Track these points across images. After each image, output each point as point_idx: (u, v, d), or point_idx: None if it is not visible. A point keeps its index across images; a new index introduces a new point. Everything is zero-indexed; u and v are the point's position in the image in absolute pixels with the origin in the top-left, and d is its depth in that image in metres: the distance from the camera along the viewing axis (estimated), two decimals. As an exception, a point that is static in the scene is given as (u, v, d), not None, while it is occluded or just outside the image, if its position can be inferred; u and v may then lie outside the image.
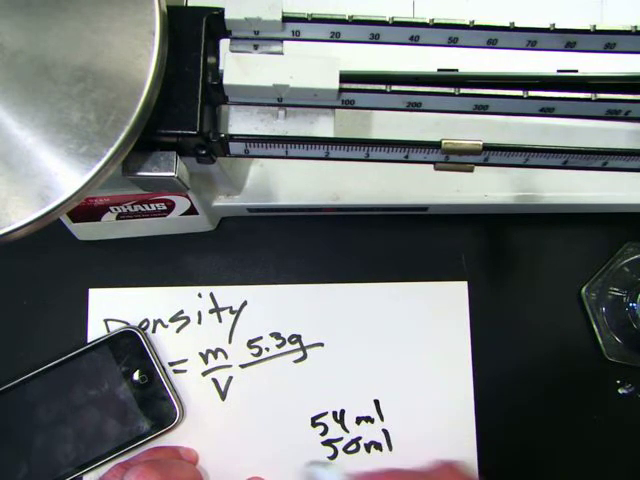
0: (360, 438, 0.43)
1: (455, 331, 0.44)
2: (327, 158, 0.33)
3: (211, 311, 0.44)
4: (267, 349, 0.44)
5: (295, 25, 0.32)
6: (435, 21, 0.31)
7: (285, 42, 0.32)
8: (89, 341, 0.43)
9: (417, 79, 0.38)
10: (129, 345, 0.42)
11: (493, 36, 0.31)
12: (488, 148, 0.32)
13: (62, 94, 0.27)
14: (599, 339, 0.44)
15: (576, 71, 0.37)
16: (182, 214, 0.42)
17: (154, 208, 0.41)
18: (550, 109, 0.33)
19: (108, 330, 0.44)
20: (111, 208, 0.40)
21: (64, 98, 0.27)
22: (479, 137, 0.32)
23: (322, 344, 0.44)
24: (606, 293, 0.44)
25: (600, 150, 0.32)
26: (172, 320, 0.44)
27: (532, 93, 0.32)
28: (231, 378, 0.43)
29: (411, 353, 0.44)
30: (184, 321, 0.44)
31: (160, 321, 0.44)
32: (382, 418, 0.43)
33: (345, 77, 0.31)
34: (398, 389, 0.43)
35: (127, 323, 0.44)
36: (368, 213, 0.45)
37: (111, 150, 0.27)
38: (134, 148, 0.28)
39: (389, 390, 0.43)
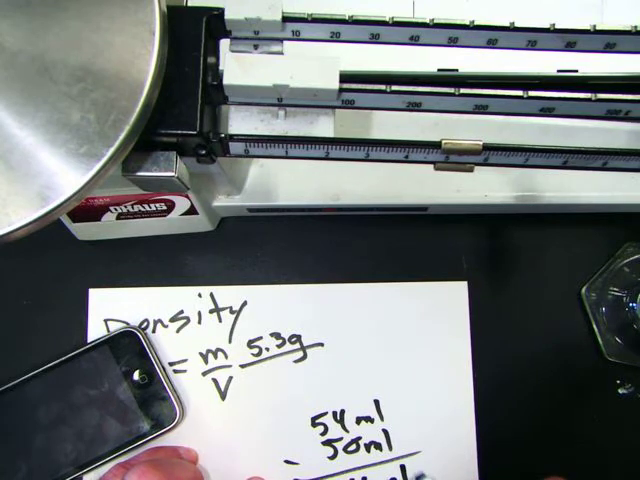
0: (360, 438, 0.43)
1: (455, 331, 0.44)
2: (327, 158, 0.33)
3: (211, 311, 0.44)
4: (267, 349, 0.44)
5: (295, 25, 0.32)
6: (435, 21, 0.31)
7: (285, 42, 0.32)
8: (89, 341, 0.43)
9: (417, 79, 0.38)
10: (129, 345, 0.42)
11: (493, 36, 0.31)
12: (488, 148, 0.32)
13: (62, 94, 0.27)
14: (599, 339, 0.44)
15: (576, 71, 0.37)
16: (182, 214, 0.42)
17: (154, 208, 0.41)
18: (550, 109, 0.33)
19: (108, 330, 0.44)
20: (111, 208, 0.40)
21: (64, 98, 0.27)
22: (479, 137, 0.32)
23: (322, 344, 0.44)
24: (606, 293, 0.44)
25: (600, 150, 0.32)
26: (172, 320, 0.44)
27: (532, 93, 0.32)
28: (231, 378, 0.43)
29: (411, 353, 0.44)
30: (184, 321, 0.44)
31: (160, 321, 0.44)
32: (382, 418, 0.43)
33: (345, 77, 0.31)
34: (398, 389, 0.43)
35: (127, 323, 0.44)
36: (368, 213, 0.45)
37: (111, 150, 0.27)
38: (134, 148, 0.28)
39: (389, 390, 0.43)
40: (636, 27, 0.31)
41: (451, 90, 0.32)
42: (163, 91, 0.29)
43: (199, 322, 0.44)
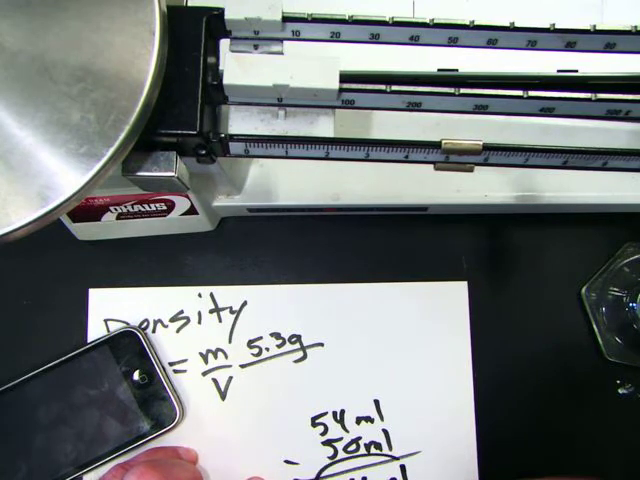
0: (360, 438, 0.43)
1: (455, 331, 0.44)
2: (327, 158, 0.33)
3: (211, 311, 0.44)
4: (267, 349, 0.44)
5: (295, 25, 0.32)
6: (435, 21, 0.31)
7: (285, 42, 0.32)
8: (89, 341, 0.43)
9: (417, 79, 0.38)
10: (129, 345, 0.42)
11: (493, 36, 0.31)
12: (488, 148, 0.32)
13: (62, 94, 0.27)
14: (599, 339, 0.44)
15: (576, 71, 0.37)
16: (182, 214, 0.42)
17: (154, 208, 0.41)
18: (550, 109, 0.33)
19: (108, 330, 0.44)
20: (111, 208, 0.40)
21: (64, 98, 0.27)
22: (479, 137, 0.32)
23: (322, 344, 0.44)
24: (606, 293, 0.44)
25: (600, 150, 0.32)
26: (172, 320, 0.44)
27: (532, 93, 0.32)
28: (231, 378, 0.43)
29: (411, 353, 0.44)
30: (184, 321, 0.44)
31: (160, 321, 0.44)
32: (382, 418, 0.43)
33: (345, 77, 0.31)
34: (398, 389, 0.43)
35: (127, 323, 0.44)
36: (368, 213, 0.45)
37: (111, 150, 0.27)
38: (134, 148, 0.28)
39: (389, 390, 0.43)
40: (636, 27, 0.31)
41: (451, 90, 0.32)
42: (163, 91, 0.29)
43: (199, 322, 0.44)
